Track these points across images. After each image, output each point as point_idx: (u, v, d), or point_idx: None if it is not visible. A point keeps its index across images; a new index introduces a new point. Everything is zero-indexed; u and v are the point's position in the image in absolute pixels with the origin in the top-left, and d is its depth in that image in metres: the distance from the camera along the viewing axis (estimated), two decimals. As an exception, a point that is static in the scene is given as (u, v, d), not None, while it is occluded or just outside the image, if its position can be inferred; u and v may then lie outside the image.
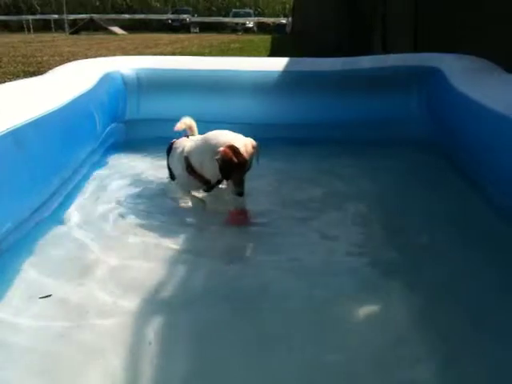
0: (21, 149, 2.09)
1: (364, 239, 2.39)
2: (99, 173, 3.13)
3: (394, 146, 3.63)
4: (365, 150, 3.60)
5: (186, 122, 3.02)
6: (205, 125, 3.41)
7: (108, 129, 3.55)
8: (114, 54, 13.05)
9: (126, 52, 14.63)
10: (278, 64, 4.02)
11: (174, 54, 14.19)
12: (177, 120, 3.76)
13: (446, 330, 1.69)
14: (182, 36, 28.83)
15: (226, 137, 2.36)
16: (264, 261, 2.15)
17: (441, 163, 3.33)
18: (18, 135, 2.06)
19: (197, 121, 3.41)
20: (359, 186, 3.06)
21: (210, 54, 14.19)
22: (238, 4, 47.96)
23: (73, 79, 3.23)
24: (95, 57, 4.55)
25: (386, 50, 7.11)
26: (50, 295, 1.82)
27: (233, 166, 2.25)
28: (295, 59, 4.26)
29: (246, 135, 2.43)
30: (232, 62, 4.33)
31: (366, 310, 1.85)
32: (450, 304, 1.82)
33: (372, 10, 8.29)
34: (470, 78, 3.29)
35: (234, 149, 2.26)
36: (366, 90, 3.92)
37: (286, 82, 3.92)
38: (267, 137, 3.64)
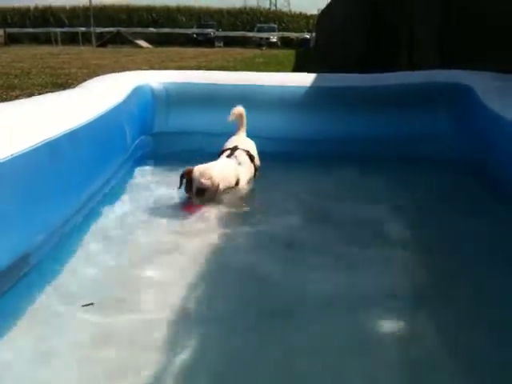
0: (55, 160, 2.12)
1: (389, 258, 2.35)
2: (128, 184, 3.16)
3: (423, 164, 3.60)
4: (393, 166, 3.57)
5: (236, 112, 3.44)
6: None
7: (137, 141, 3.59)
8: (140, 68, 13.25)
9: (151, 65, 14.82)
10: (307, 79, 4.02)
11: (198, 67, 14.32)
12: (203, 133, 3.82)
13: (477, 355, 1.65)
14: (206, 50, 29.18)
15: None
16: (291, 274, 2.14)
17: (470, 181, 3.29)
18: (52, 146, 2.09)
19: (222, 134, 3.45)
20: (386, 203, 3.02)
21: (235, 68, 14.29)
22: (262, 19, 48.41)
23: (105, 92, 3.28)
24: (122, 70, 4.61)
25: (412, 64, 7.07)
26: (92, 303, 1.83)
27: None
28: (324, 75, 4.26)
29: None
30: (259, 77, 4.36)
31: (394, 334, 1.81)
32: (481, 329, 1.78)
33: (398, 24, 8.27)
34: (501, 97, 3.25)
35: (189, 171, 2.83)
36: (395, 107, 3.90)
37: (315, 98, 3.92)
38: (293, 152, 3.68)
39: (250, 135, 3.52)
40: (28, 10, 50.15)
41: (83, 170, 2.49)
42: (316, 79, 4.03)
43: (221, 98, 3.91)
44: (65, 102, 2.80)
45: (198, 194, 2.83)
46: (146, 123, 3.77)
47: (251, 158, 3.26)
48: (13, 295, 1.80)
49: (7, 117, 2.18)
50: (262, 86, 4.02)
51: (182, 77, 4.13)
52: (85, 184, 2.52)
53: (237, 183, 3.03)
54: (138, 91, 3.67)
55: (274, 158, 3.52)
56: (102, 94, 3.22)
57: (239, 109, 3.47)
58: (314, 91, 3.93)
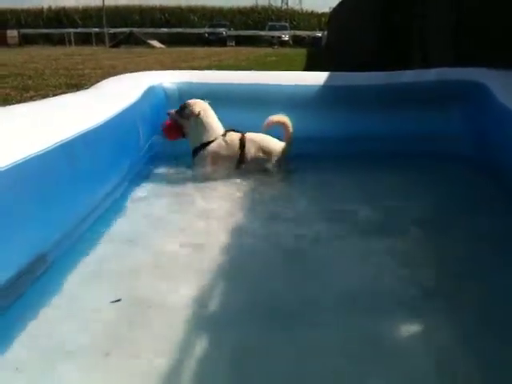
0: (70, 161, 2.14)
1: (403, 258, 2.33)
2: (141, 185, 3.18)
3: (437, 161, 3.60)
4: (406, 164, 3.56)
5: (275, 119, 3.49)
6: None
7: (150, 141, 3.61)
8: (153, 68, 13.30)
9: (164, 65, 14.88)
10: (319, 78, 4.01)
11: (210, 67, 14.35)
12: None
13: (491, 355, 1.64)
14: (218, 49, 29.25)
15: None
16: (304, 275, 2.14)
17: (484, 180, 3.27)
18: (67, 148, 2.11)
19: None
20: (399, 202, 3.01)
21: (247, 67, 14.30)
22: (273, 17, 48.38)
23: (118, 93, 3.30)
24: (134, 70, 4.63)
25: (426, 63, 7.02)
26: (119, 300, 1.86)
27: None
28: (337, 73, 4.24)
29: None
30: (272, 76, 4.36)
31: (407, 334, 1.80)
32: (495, 330, 1.76)
33: (409, 22, 8.22)
34: (517, 94, 3.22)
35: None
36: (411, 104, 3.89)
37: (328, 96, 3.92)
38: (307, 151, 3.67)
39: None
40: (41, 10, 50.71)
41: (98, 171, 2.51)
42: (330, 77, 4.02)
43: (234, 98, 3.92)
44: (80, 102, 2.82)
45: (178, 111, 3.36)
46: (158, 123, 3.78)
47: (242, 144, 3.40)
48: (32, 294, 1.82)
49: (23, 118, 2.20)
50: (276, 85, 4.02)
51: (195, 77, 4.14)
52: (100, 184, 2.55)
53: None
54: (150, 91, 3.69)
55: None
56: (115, 95, 3.24)
57: (276, 117, 3.49)
58: (328, 90, 3.93)
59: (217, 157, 3.40)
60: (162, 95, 3.88)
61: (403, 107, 3.90)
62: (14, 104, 6.95)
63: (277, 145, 3.50)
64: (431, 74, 4.09)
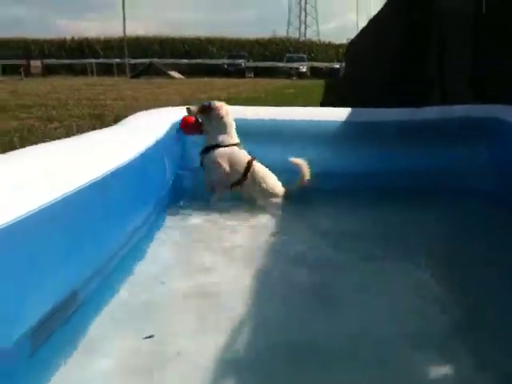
0: (103, 198, 2.18)
1: (424, 293, 2.33)
2: (166, 220, 3.22)
3: (460, 197, 3.64)
4: (429, 199, 3.62)
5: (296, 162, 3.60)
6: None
7: (175, 176, 3.66)
8: (172, 98, 13.54)
9: (183, 96, 15.10)
10: (344, 114, 4.07)
11: (229, 98, 14.53)
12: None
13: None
14: (236, 81, 29.63)
15: None
16: (321, 316, 2.12)
17: (506, 216, 3.26)
18: (101, 185, 2.15)
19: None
20: (424, 235, 3.05)
21: (265, 99, 14.46)
22: (291, 49, 49.06)
23: (146, 128, 3.37)
24: (155, 101, 4.69)
25: (445, 99, 7.05)
26: (152, 335, 1.87)
27: None
28: (361, 109, 4.33)
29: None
30: (292, 110, 4.45)
31: (432, 369, 1.78)
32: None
33: (428, 57, 8.28)
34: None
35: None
36: (434, 141, 3.95)
37: (354, 132, 3.98)
38: (334, 186, 3.70)
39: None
40: (64, 41, 52.03)
41: (127, 206, 2.55)
42: (354, 113, 4.08)
43: (255, 133, 3.97)
44: (108, 139, 2.88)
45: (201, 110, 3.55)
46: (183, 157, 3.85)
47: (248, 166, 3.52)
48: (63, 333, 1.83)
49: (56, 156, 2.25)
50: (292, 121, 4.09)
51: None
52: (129, 219, 2.58)
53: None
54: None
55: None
56: (143, 131, 3.30)
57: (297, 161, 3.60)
58: (354, 126, 3.99)
59: (226, 161, 3.51)
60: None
61: (425, 143, 3.95)
62: (39, 134, 7.10)
63: (278, 187, 3.58)
64: (454, 111, 4.13)
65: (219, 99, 3.65)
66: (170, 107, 4.37)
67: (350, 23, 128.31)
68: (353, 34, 23.12)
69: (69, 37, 52.32)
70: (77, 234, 1.96)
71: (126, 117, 3.84)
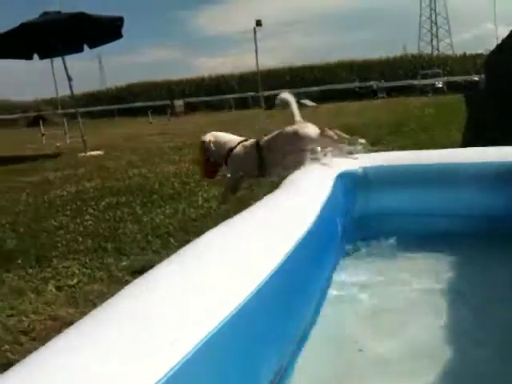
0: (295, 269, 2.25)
1: None
2: (344, 278, 3.21)
3: None
4: None
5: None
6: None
7: (343, 228, 3.65)
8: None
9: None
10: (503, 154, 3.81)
11: (364, 124, 14.37)
12: (408, 214, 3.83)
13: None
14: (368, 103, 29.25)
15: None
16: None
17: None
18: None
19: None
20: None
21: (404, 121, 14.04)
22: (424, 65, 47.45)
23: (311, 187, 3.36)
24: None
25: None
26: None
27: None
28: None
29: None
30: (453, 153, 4.30)
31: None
32: None
33: None
34: None
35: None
36: None
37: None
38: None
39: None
40: (203, 79, 55.57)
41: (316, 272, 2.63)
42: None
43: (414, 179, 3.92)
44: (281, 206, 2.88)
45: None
46: (349, 208, 3.84)
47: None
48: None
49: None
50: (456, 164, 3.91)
51: (379, 159, 4.17)
52: (313, 286, 2.63)
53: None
54: (341, 179, 3.75)
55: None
56: (309, 190, 3.27)
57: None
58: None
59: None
60: (352, 180, 3.91)
61: None
62: (194, 178, 7.52)
63: (310, 128, 3.91)
64: None
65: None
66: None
67: (487, 32, 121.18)
68: (490, 45, 21.75)
69: (206, 75, 55.89)
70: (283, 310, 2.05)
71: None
